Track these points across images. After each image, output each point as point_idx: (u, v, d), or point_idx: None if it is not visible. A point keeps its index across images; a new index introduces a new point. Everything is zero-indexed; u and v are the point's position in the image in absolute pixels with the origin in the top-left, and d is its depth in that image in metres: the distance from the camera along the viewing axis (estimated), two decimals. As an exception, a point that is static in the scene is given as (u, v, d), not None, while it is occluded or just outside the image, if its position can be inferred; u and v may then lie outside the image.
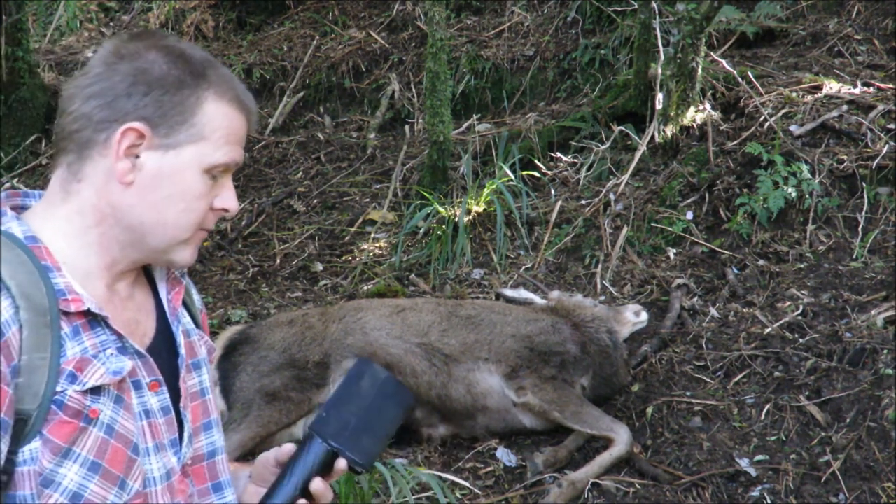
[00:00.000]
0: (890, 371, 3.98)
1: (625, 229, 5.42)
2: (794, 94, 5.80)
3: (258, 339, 4.25)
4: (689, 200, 5.47)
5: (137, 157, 1.50)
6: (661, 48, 5.81)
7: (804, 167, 5.19)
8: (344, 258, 5.93)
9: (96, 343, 1.46)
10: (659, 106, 5.76)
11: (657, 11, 5.97)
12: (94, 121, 1.48)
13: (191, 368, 1.63)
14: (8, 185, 6.84)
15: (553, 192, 5.97)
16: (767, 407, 4.08)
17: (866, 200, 5.12)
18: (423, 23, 7.71)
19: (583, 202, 5.77)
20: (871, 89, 5.80)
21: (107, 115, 1.48)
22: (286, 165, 7.09)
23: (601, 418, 4.05)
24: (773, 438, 3.95)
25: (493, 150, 6.31)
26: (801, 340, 4.37)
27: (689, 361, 4.46)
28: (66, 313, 1.44)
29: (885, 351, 4.09)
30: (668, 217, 5.43)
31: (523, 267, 5.47)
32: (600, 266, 5.29)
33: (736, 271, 5.03)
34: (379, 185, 6.60)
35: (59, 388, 1.41)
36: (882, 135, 5.35)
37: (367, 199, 6.46)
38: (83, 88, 1.49)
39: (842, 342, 4.25)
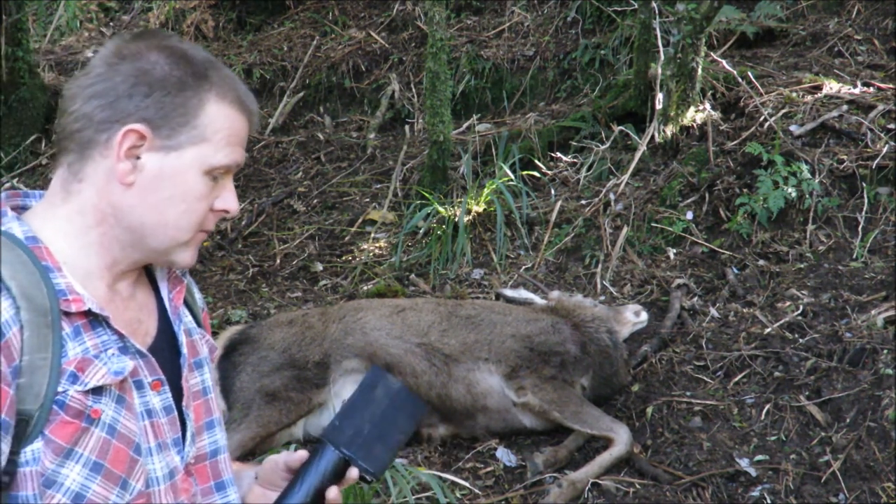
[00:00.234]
0: (890, 371, 3.99)
1: (625, 229, 5.42)
2: (794, 94, 5.80)
3: (258, 339, 4.25)
4: (689, 200, 5.47)
5: (138, 158, 1.50)
6: (661, 48, 5.81)
7: (804, 167, 5.19)
8: (344, 258, 5.93)
9: (98, 343, 1.46)
10: (659, 106, 5.77)
11: (657, 11, 5.97)
12: (95, 121, 1.48)
13: (193, 367, 1.63)
14: (8, 185, 6.84)
15: (553, 192, 5.97)
16: (767, 407, 4.08)
17: (866, 200, 5.12)
18: (423, 23, 7.71)
19: (583, 202, 5.77)
20: (871, 89, 5.80)
21: (108, 116, 1.48)
22: (286, 165, 7.09)
23: (601, 418, 4.05)
24: (773, 438, 3.95)
25: (493, 150, 6.31)
26: (801, 340, 4.37)
27: (689, 361, 4.46)
28: (68, 313, 1.44)
29: (885, 351, 4.09)
30: (668, 217, 5.43)
31: (523, 267, 5.48)
32: (600, 266, 5.29)
33: (736, 271, 5.03)
34: (379, 185, 6.60)
35: (60, 389, 1.41)
36: (882, 135, 5.35)
37: (367, 199, 6.46)
38: (85, 88, 1.49)
39: (842, 342, 4.25)
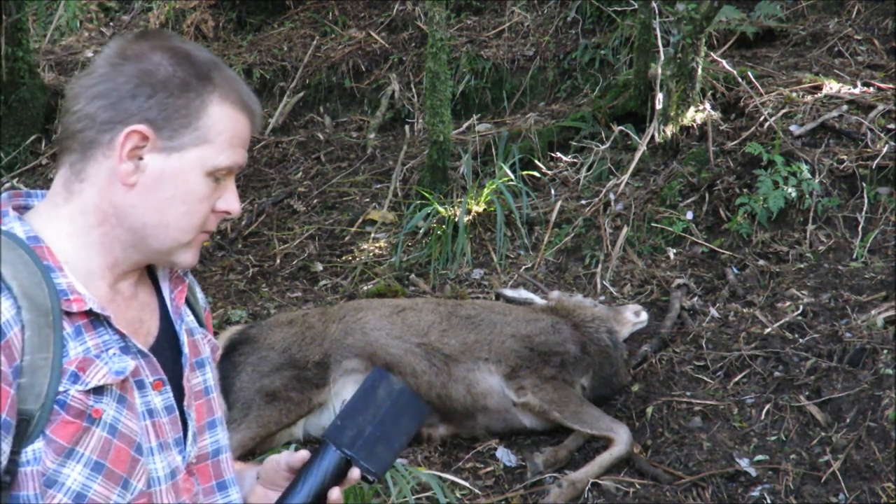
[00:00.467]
0: (890, 371, 3.99)
1: (625, 229, 5.42)
2: (794, 94, 5.80)
3: (258, 339, 4.25)
4: (689, 200, 5.48)
5: (141, 158, 1.50)
6: (661, 48, 5.81)
7: (804, 167, 5.19)
8: (344, 258, 5.93)
9: (99, 343, 1.46)
10: (659, 106, 5.77)
11: (657, 11, 5.97)
12: (97, 121, 1.48)
13: (194, 367, 1.63)
14: (8, 185, 6.84)
15: (553, 192, 5.97)
16: (767, 407, 4.08)
17: (866, 200, 5.12)
18: (423, 23, 7.71)
19: (583, 202, 5.77)
20: (871, 89, 5.80)
21: (111, 117, 1.48)
22: (286, 165, 7.09)
23: (601, 418, 4.05)
24: (773, 438, 3.95)
25: (493, 150, 6.31)
26: (801, 340, 4.37)
27: (689, 361, 4.46)
28: (69, 313, 1.44)
29: (885, 351, 4.09)
30: (668, 217, 5.43)
31: (523, 267, 5.48)
32: (600, 266, 5.30)
33: (736, 271, 5.03)
34: (379, 185, 6.60)
35: (61, 389, 1.41)
36: (882, 135, 5.35)
37: (367, 199, 6.46)
38: (88, 88, 1.50)
39: (842, 342, 4.25)
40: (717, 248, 5.21)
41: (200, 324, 1.70)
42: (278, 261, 5.97)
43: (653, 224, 5.44)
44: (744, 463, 3.85)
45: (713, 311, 4.77)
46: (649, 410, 4.21)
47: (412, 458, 4.14)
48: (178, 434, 1.56)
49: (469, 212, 5.72)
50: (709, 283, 5.06)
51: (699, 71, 5.70)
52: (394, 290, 5.26)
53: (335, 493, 1.61)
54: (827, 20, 6.84)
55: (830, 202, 5.17)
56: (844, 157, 5.29)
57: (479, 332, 4.23)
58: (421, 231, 5.91)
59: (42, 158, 7.43)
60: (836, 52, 6.50)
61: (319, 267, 5.87)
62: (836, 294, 4.64)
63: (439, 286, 5.46)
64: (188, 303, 1.69)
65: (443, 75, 6.05)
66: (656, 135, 5.79)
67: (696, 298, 4.95)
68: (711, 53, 6.18)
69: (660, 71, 5.75)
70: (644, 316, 4.52)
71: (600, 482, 3.84)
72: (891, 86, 5.79)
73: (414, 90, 7.51)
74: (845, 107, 5.61)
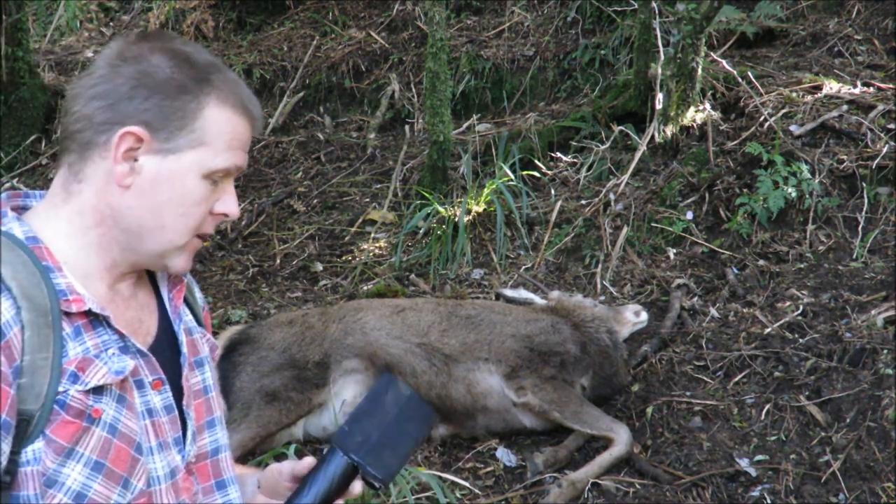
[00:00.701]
0: (890, 371, 3.99)
1: (625, 229, 5.42)
2: (794, 94, 5.80)
3: (258, 339, 4.25)
4: (689, 200, 5.48)
5: (136, 160, 1.50)
6: (661, 48, 5.81)
7: (804, 167, 5.19)
8: (344, 258, 5.93)
9: (98, 343, 1.47)
10: (659, 106, 5.77)
11: (657, 11, 5.97)
12: (95, 122, 1.49)
13: (193, 366, 1.64)
14: (8, 185, 6.84)
15: (553, 192, 5.97)
16: (767, 407, 4.08)
17: (866, 200, 5.12)
18: (423, 23, 7.71)
19: (583, 202, 5.77)
20: (871, 89, 5.80)
21: (108, 118, 1.48)
22: (286, 165, 7.09)
23: (601, 418, 4.05)
24: (773, 438, 3.95)
25: (493, 150, 6.31)
26: (801, 340, 4.37)
27: (689, 361, 4.46)
28: (68, 313, 1.45)
29: (885, 351, 4.09)
30: (668, 217, 5.43)
31: (523, 267, 5.48)
32: (600, 266, 5.30)
33: (736, 271, 5.03)
34: (379, 185, 6.60)
35: (61, 389, 1.41)
36: (882, 135, 5.35)
37: (367, 199, 6.46)
38: (87, 89, 1.50)
39: (842, 342, 4.25)
40: (717, 248, 5.21)
41: (199, 323, 1.70)
42: (278, 261, 5.97)
43: (653, 224, 5.44)
44: (744, 463, 3.85)
45: (713, 311, 4.77)
46: (649, 410, 4.21)
47: (412, 458, 4.15)
48: (177, 433, 1.57)
49: (469, 212, 5.72)
50: (709, 283, 5.06)
51: (699, 71, 5.70)
52: (394, 290, 5.26)
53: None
54: (827, 20, 6.85)
55: (830, 202, 5.17)
56: (844, 157, 5.29)
57: (479, 332, 4.23)
58: (421, 231, 5.91)
59: (42, 158, 7.43)
60: (836, 52, 6.50)
61: (319, 267, 5.87)
62: (836, 294, 4.64)
63: (439, 286, 5.47)
64: (187, 302, 1.69)
65: (443, 75, 6.05)
66: (656, 135, 5.79)
67: (696, 298, 4.95)
68: (711, 53, 6.18)
69: (660, 71, 5.75)
70: (644, 316, 4.52)
71: (600, 482, 3.84)
72: (891, 86, 5.79)
73: (414, 90, 7.51)
74: (845, 107, 5.61)
